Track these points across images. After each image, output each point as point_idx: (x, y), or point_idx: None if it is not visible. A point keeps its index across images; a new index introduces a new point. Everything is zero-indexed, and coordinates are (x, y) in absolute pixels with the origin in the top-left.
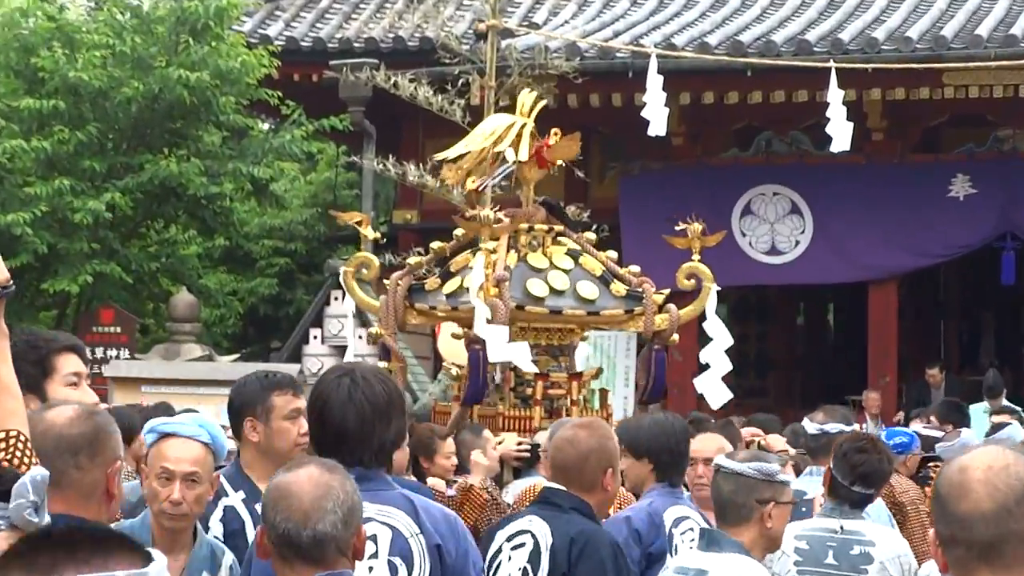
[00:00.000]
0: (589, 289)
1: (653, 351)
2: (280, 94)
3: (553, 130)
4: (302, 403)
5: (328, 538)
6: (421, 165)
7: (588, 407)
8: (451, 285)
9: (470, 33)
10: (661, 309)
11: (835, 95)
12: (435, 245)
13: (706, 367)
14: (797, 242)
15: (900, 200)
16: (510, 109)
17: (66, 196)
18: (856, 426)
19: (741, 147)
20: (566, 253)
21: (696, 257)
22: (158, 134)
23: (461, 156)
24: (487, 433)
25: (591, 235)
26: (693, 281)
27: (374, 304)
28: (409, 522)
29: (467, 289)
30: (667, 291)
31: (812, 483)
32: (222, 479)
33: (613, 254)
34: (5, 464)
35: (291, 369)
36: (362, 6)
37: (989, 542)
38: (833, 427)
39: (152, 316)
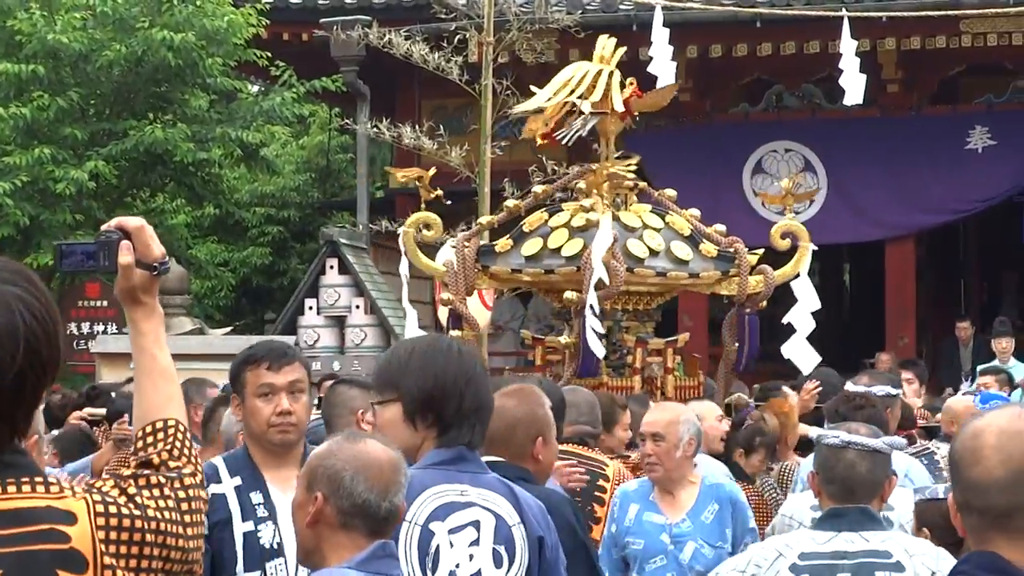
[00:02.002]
0: (683, 250)
1: (745, 315)
2: (269, 55)
3: (629, 80)
4: (281, 378)
5: (399, 511)
6: (417, 127)
7: (677, 375)
8: (531, 247)
9: None
10: (753, 270)
11: (848, 45)
12: (509, 203)
13: (791, 330)
14: (811, 200)
15: (916, 154)
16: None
17: (47, 165)
18: (903, 388)
19: (751, 102)
20: (651, 211)
21: (790, 216)
22: (142, 99)
23: (541, 109)
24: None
25: (671, 191)
26: (788, 240)
27: (438, 268)
28: (511, 510)
29: (552, 250)
30: (761, 250)
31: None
32: (218, 462)
33: (696, 212)
34: (158, 459)
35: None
36: None
37: (1003, 510)
38: (880, 389)
39: None
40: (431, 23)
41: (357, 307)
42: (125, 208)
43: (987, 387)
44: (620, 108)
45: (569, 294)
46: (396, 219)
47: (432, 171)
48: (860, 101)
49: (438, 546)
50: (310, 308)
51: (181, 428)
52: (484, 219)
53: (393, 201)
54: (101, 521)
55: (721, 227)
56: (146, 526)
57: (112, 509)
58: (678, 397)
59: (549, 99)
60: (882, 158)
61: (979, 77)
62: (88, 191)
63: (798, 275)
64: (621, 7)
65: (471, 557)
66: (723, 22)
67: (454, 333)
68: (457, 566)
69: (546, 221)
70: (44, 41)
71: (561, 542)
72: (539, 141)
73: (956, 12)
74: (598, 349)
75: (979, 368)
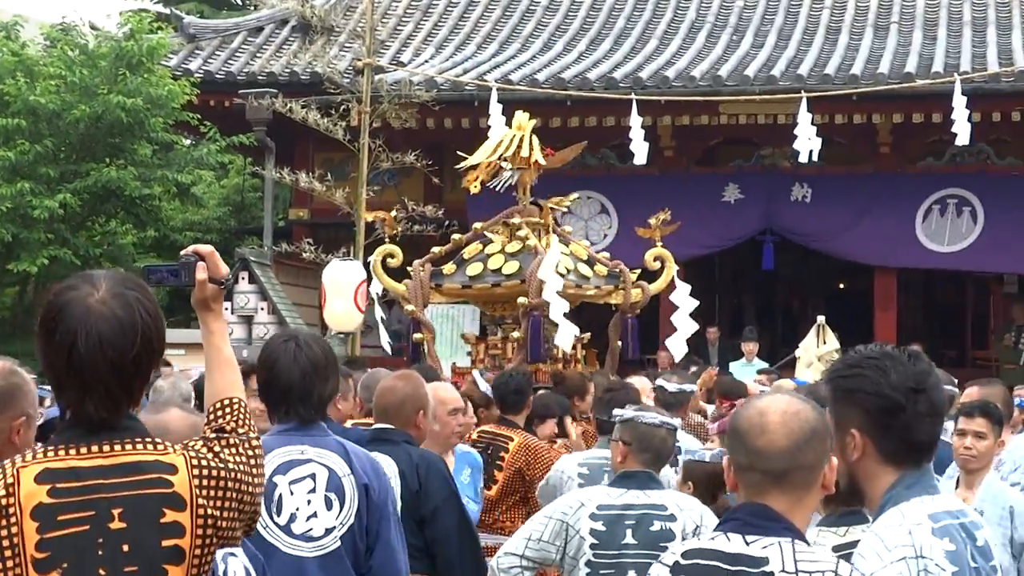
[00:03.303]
0: (585, 270)
1: (627, 319)
2: (199, 116)
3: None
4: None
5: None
6: (310, 173)
7: (580, 363)
8: (473, 269)
9: (350, 69)
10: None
11: (635, 120)
12: (455, 237)
13: (674, 329)
14: (604, 235)
15: (686, 203)
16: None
17: (27, 196)
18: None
19: None
20: (560, 241)
21: (659, 243)
22: (101, 147)
23: (475, 165)
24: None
25: (567, 228)
26: (659, 263)
27: (399, 286)
28: (342, 464)
29: (492, 271)
30: (639, 270)
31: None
32: None
33: (586, 242)
34: (229, 428)
35: None
36: (265, 47)
37: (782, 470)
38: (689, 387)
39: None
40: (323, 95)
41: (262, 309)
42: (86, 231)
43: (762, 383)
44: (543, 163)
45: (523, 299)
46: (293, 243)
47: (394, 212)
48: (644, 162)
49: (280, 495)
50: (226, 309)
51: (243, 404)
52: (436, 248)
53: (291, 230)
54: (196, 472)
55: (605, 253)
56: (228, 475)
57: (204, 462)
58: None
59: (485, 157)
60: (660, 205)
61: (732, 146)
62: (58, 216)
63: (674, 288)
64: (466, 88)
65: (308, 502)
66: (543, 101)
67: (416, 336)
68: (297, 510)
69: (482, 250)
70: (26, 102)
71: (438, 491)
72: (473, 190)
73: (716, 98)
74: (567, 339)
75: (757, 369)
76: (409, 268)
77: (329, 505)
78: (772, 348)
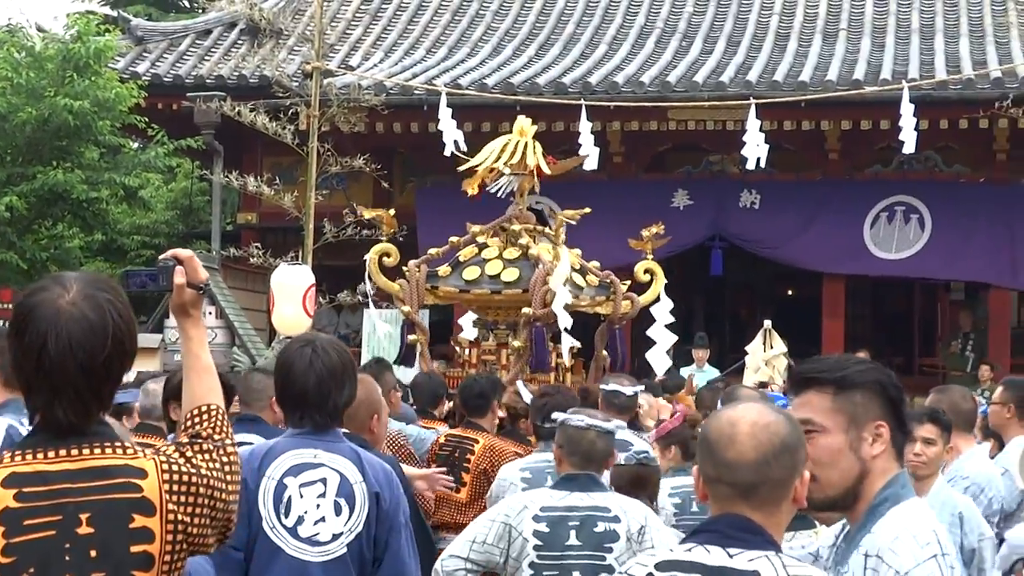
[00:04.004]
0: (579, 279)
1: (615, 329)
2: (147, 119)
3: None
4: None
5: None
6: (259, 177)
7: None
8: (470, 273)
9: (299, 73)
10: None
11: (585, 126)
12: (452, 239)
13: (653, 342)
14: None
15: (634, 209)
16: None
17: None
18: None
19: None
20: (552, 250)
21: (650, 256)
22: (48, 150)
23: (475, 168)
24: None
25: (560, 235)
26: (648, 275)
27: (394, 286)
28: (354, 471)
29: (491, 277)
30: (629, 282)
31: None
32: None
33: (578, 250)
34: (205, 434)
35: (154, 338)
36: (213, 49)
37: (751, 484)
38: (630, 389)
39: None
40: (271, 99)
41: (210, 313)
42: (32, 234)
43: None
44: (546, 170)
45: (527, 309)
46: (241, 247)
47: (392, 211)
48: (595, 167)
49: (290, 497)
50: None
51: (221, 411)
52: (432, 250)
53: (239, 234)
54: (166, 476)
55: (595, 263)
56: (199, 481)
57: (175, 467)
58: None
59: (482, 162)
60: (609, 211)
61: (681, 153)
62: (4, 220)
63: (658, 299)
64: (415, 92)
65: (318, 506)
66: (492, 106)
67: (411, 337)
68: (305, 513)
69: (478, 254)
70: None
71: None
72: (471, 192)
73: (665, 104)
74: (566, 351)
75: (707, 381)
76: (404, 268)
77: (338, 510)
78: (721, 354)
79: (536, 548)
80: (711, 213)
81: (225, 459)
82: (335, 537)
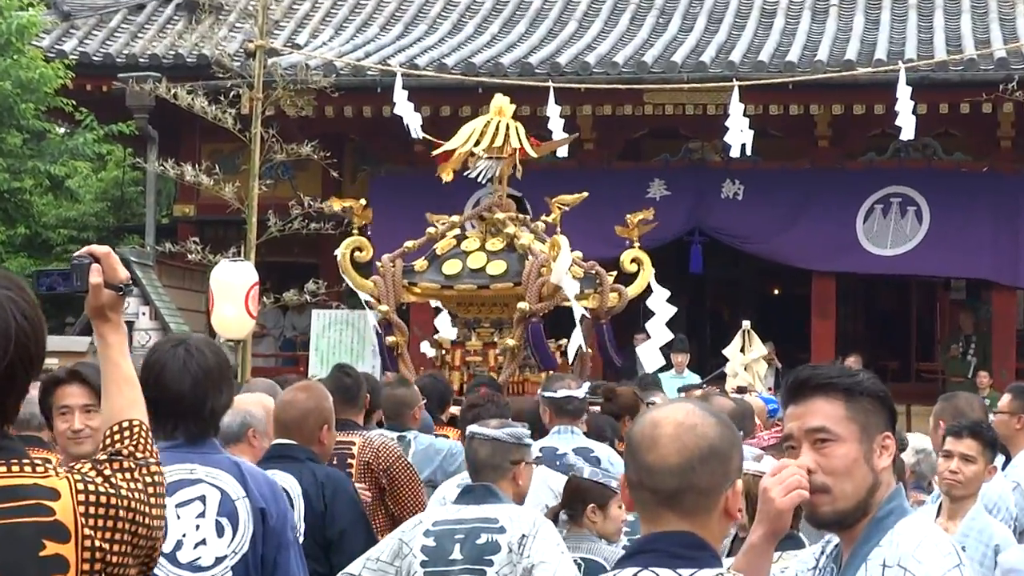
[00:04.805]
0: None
1: (601, 325)
2: (74, 102)
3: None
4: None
5: None
6: (197, 165)
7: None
8: (451, 267)
9: (241, 52)
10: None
11: (554, 111)
12: (429, 230)
13: (648, 336)
14: None
15: (607, 200)
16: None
17: None
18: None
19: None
20: (536, 240)
21: (637, 244)
22: None
23: (451, 152)
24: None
25: (541, 223)
26: (636, 265)
27: (367, 284)
28: (236, 486)
29: (473, 270)
30: (614, 273)
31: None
32: None
33: (563, 239)
34: (127, 452)
35: (83, 341)
36: (147, 26)
37: (673, 491)
38: (581, 392)
39: None
40: (211, 80)
41: (143, 314)
42: None
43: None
44: (532, 153)
45: (523, 304)
46: (178, 242)
47: (362, 202)
48: (565, 155)
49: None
50: None
51: (144, 427)
52: (408, 243)
53: (175, 228)
54: (82, 497)
55: (578, 252)
56: (120, 503)
57: (91, 487)
58: None
59: (460, 146)
60: (580, 202)
61: (658, 139)
62: None
63: (650, 291)
64: (368, 73)
65: (197, 527)
66: (452, 88)
67: (389, 340)
68: (184, 535)
69: (457, 246)
70: None
71: (346, 512)
72: (447, 179)
73: (640, 86)
74: (574, 347)
75: (678, 388)
76: (378, 263)
77: (220, 531)
78: (701, 357)
79: (423, 564)
80: (690, 205)
81: (148, 479)
82: (218, 561)
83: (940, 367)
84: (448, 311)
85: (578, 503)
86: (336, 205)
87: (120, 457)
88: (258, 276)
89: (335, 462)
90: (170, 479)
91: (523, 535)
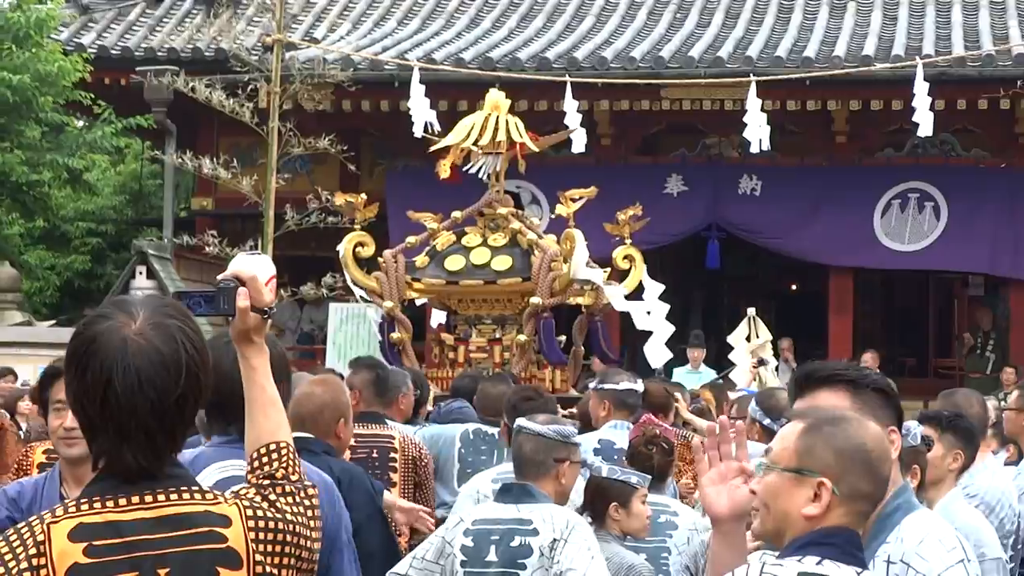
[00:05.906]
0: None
1: (595, 321)
2: (93, 95)
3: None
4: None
5: None
6: (215, 159)
7: None
8: (453, 263)
9: (258, 46)
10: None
11: (571, 105)
12: (430, 226)
13: (649, 333)
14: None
15: (624, 195)
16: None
17: None
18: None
19: None
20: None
21: (628, 240)
22: None
23: (447, 148)
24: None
25: (535, 219)
26: (628, 261)
27: (371, 280)
28: None
29: (477, 266)
30: (608, 270)
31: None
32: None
33: (554, 237)
34: (280, 475)
35: None
36: (165, 20)
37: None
38: (640, 386)
39: None
40: (228, 74)
41: None
42: None
43: (708, 400)
44: (532, 147)
45: (535, 299)
46: (195, 235)
47: (363, 196)
48: (582, 150)
49: None
50: None
51: (291, 449)
52: (411, 239)
53: (193, 221)
54: (251, 524)
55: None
56: (286, 528)
57: (260, 513)
58: None
59: (459, 141)
60: (598, 198)
61: (675, 134)
62: None
63: (641, 287)
64: (386, 67)
65: None
66: (469, 82)
67: (393, 336)
68: None
69: (457, 241)
70: None
71: (362, 506)
72: (444, 175)
73: (658, 81)
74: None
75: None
76: (380, 259)
77: None
78: (718, 354)
79: (463, 564)
80: (707, 200)
81: (307, 503)
82: None
83: (958, 364)
84: (448, 308)
85: (600, 503)
86: (338, 199)
87: (281, 481)
88: (275, 269)
89: (376, 455)
90: (220, 476)
91: (554, 539)
